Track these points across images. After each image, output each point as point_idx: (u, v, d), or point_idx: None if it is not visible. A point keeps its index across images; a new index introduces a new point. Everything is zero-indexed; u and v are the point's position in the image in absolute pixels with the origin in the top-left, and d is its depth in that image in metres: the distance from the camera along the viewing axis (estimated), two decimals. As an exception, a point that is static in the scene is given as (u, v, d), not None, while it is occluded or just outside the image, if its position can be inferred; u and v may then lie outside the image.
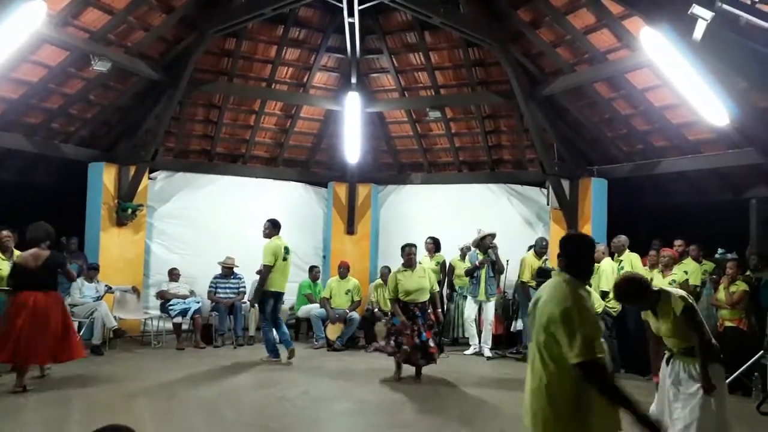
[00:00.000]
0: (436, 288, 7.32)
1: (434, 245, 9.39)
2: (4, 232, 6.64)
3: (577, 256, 2.91)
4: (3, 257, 6.58)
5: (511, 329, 8.87)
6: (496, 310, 8.79)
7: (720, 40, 5.77)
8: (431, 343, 7.00)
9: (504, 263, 8.65)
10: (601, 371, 2.60)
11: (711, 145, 8.20)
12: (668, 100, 7.92)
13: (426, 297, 7.10)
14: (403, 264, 7.21)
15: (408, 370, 7.15)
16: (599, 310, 6.72)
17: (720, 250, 8.05)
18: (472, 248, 8.84)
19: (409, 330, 6.86)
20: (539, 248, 8.71)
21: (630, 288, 3.71)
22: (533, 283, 8.44)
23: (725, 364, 3.79)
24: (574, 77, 8.53)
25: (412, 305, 7.01)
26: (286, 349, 7.73)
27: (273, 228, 7.89)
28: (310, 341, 9.36)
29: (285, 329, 7.96)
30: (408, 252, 7.20)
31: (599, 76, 8.28)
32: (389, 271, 9.07)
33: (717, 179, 8.83)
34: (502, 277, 8.81)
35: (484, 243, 8.54)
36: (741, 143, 7.76)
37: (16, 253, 6.71)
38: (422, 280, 7.11)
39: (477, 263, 8.54)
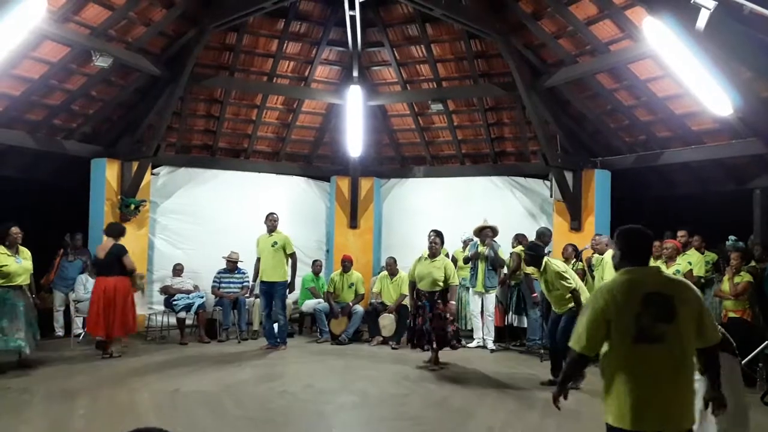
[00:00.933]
0: (454, 282, 7.43)
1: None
2: (14, 229, 6.69)
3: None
4: (9, 253, 6.62)
5: (506, 322, 8.85)
6: (500, 302, 8.78)
7: (723, 29, 5.73)
8: (433, 335, 7.23)
9: (506, 257, 8.64)
10: None
11: (714, 136, 8.15)
12: (671, 91, 7.88)
13: (435, 288, 7.30)
14: (428, 251, 7.51)
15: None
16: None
17: (732, 238, 7.99)
18: (474, 237, 8.85)
19: (419, 315, 7.37)
20: (545, 239, 8.69)
21: None
22: (537, 275, 8.43)
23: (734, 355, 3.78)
24: (577, 68, 8.48)
25: (422, 293, 7.35)
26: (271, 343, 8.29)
27: None
28: (314, 335, 9.39)
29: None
30: (431, 240, 7.51)
31: (602, 67, 8.23)
32: (395, 261, 9.18)
33: (720, 170, 8.78)
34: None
35: (482, 234, 8.54)
36: (744, 133, 7.71)
37: (22, 249, 6.76)
38: (436, 271, 7.31)
39: (469, 255, 8.60)
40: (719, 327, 3.52)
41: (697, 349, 2.75)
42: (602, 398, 2.80)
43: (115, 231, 7.79)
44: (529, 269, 8.53)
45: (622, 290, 2.74)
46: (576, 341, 2.81)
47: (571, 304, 6.28)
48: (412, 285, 7.58)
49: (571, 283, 6.29)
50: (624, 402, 2.68)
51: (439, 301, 7.29)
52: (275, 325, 8.35)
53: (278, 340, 8.28)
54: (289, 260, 8.23)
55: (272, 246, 8.18)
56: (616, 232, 2.96)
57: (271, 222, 8.31)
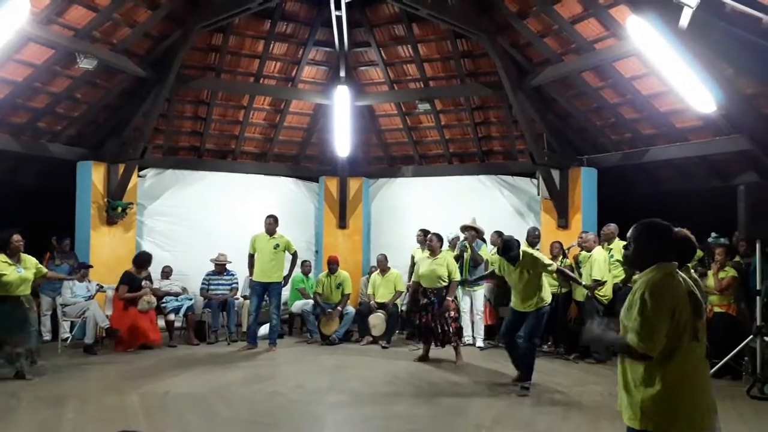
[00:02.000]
0: (455, 277, 7.58)
1: (425, 237, 9.39)
2: (16, 236, 6.34)
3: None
4: (10, 262, 6.27)
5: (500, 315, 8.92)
6: (488, 300, 8.81)
7: (706, 27, 5.81)
8: (440, 330, 7.42)
9: (484, 256, 8.64)
10: None
11: (698, 133, 8.24)
12: (656, 89, 7.95)
13: (439, 285, 7.45)
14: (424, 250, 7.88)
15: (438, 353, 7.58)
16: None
17: (713, 234, 8.11)
18: (461, 235, 8.88)
19: (423, 313, 7.50)
20: (532, 238, 8.74)
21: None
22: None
23: (714, 350, 3.82)
24: (562, 67, 8.54)
25: (428, 291, 7.50)
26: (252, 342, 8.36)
27: None
28: (304, 336, 9.38)
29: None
30: (428, 239, 7.73)
31: (587, 65, 8.30)
32: (385, 258, 9.19)
33: (705, 166, 8.88)
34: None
35: (467, 234, 8.58)
36: (728, 130, 7.80)
37: (25, 257, 6.46)
38: (439, 268, 7.46)
39: (455, 255, 8.65)
40: None
41: None
42: (640, 404, 2.58)
43: (135, 260, 8.58)
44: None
45: (676, 285, 2.60)
46: (647, 342, 2.52)
47: (540, 301, 6.18)
48: (417, 285, 7.71)
49: (551, 263, 6.36)
50: (685, 406, 2.55)
51: (448, 298, 7.42)
52: (262, 327, 8.40)
53: (269, 340, 8.30)
54: (291, 259, 8.47)
55: (274, 248, 8.26)
56: (645, 226, 2.75)
57: (270, 225, 8.37)
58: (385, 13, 9.62)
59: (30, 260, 6.54)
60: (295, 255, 8.50)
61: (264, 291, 8.27)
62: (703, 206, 8.60)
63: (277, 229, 8.44)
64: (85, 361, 7.48)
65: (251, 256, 8.35)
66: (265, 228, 8.37)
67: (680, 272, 2.70)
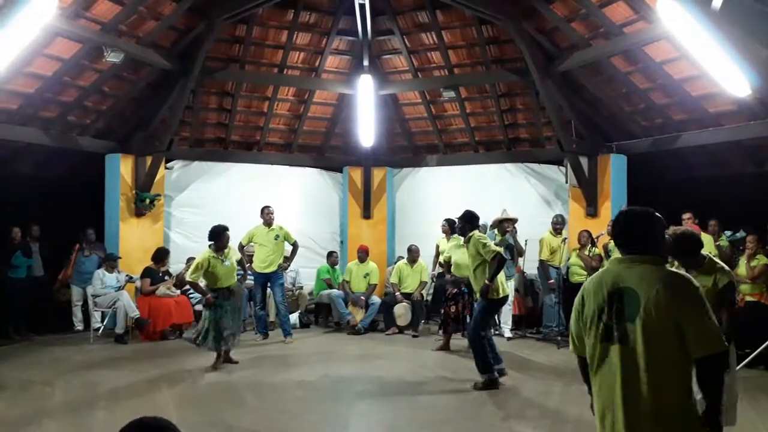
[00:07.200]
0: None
1: (450, 227, 9.35)
2: (227, 234, 6.90)
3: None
4: (216, 256, 6.76)
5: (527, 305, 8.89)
6: (516, 290, 8.74)
7: (740, 8, 5.64)
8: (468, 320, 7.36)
9: (522, 244, 8.59)
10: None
11: (732, 117, 8.00)
12: (687, 72, 7.74)
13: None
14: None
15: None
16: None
17: (727, 233, 7.95)
18: (489, 228, 8.77)
19: (451, 303, 7.56)
20: (555, 225, 8.66)
21: (690, 242, 3.75)
22: (554, 261, 8.43)
23: (747, 339, 3.73)
24: (590, 52, 8.36)
25: (460, 280, 7.52)
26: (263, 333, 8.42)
27: None
28: (330, 325, 9.43)
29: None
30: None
31: (616, 50, 8.10)
32: (417, 249, 9.22)
33: (738, 152, 8.63)
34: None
35: (503, 226, 8.46)
36: (763, 114, 7.56)
37: (230, 248, 6.93)
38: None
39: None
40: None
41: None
42: None
43: (154, 256, 8.77)
44: (544, 255, 8.52)
45: (592, 284, 2.55)
46: (570, 340, 2.69)
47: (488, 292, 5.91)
48: (447, 270, 7.81)
49: (494, 248, 5.95)
50: (596, 406, 2.57)
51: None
52: (261, 317, 8.45)
53: (283, 333, 8.25)
54: (292, 249, 8.47)
55: (275, 239, 8.29)
56: (628, 218, 2.63)
57: (269, 215, 8.38)
58: (408, 0, 9.52)
59: (234, 251, 7.08)
60: (295, 245, 8.47)
61: (266, 282, 8.31)
62: (736, 193, 8.39)
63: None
64: (116, 350, 7.60)
65: (241, 247, 8.35)
66: (264, 219, 8.39)
67: (641, 265, 2.43)
